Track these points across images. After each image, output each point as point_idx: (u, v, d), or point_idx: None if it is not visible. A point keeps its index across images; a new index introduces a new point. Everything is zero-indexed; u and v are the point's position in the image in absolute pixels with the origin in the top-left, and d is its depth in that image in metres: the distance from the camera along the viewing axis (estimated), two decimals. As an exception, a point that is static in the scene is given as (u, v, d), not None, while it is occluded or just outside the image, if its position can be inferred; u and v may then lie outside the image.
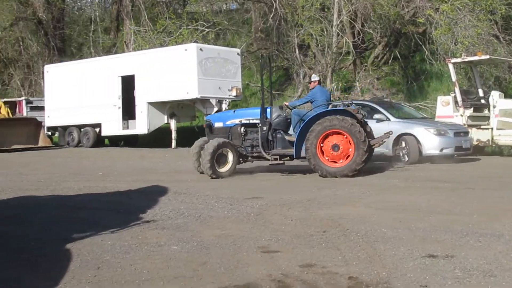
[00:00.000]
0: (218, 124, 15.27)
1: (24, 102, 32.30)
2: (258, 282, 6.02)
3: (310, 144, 13.72)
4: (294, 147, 14.06)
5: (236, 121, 14.82)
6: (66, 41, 38.44)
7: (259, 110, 14.79)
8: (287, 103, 15.88)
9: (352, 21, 29.01)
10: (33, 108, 31.42)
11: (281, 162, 14.93)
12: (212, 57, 24.42)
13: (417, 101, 26.45)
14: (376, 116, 18.27)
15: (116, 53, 32.82)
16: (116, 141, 28.19)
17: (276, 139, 14.51)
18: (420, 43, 28.21)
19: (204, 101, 24.51)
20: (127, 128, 26.02)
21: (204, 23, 31.57)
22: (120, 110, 25.60)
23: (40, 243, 8.01)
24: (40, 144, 26.38)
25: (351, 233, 8.11)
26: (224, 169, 14.31)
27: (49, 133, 28.78)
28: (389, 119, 18.15)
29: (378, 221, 8.91)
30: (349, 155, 13.92)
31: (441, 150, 17.40)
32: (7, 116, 27.27)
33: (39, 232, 8.63)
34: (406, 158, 17.56)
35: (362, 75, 29.41)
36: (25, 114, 30.61)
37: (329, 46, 28.97)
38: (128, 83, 25.65)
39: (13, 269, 6.73)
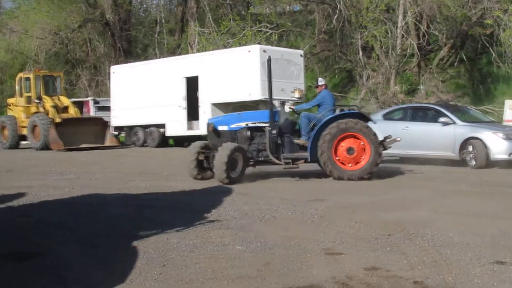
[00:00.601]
0: (222, 128, 14.49)
1: (91, 102, 32.91)
2: (322, 284, 6.02)
3: (326, 147, 13.62)
4: (309, 150, 13.89)
5: (242, 124, 14.26)
6: (132, 43, 39.04)
7: (265, 113, 14.59)
8: (293, 107, 15.89)
9: (417, 23, 28.66)
10: (100, 108, 31.98)
11: (296, 166, 14.51)
12: (275, 58, 24.23)
13: (484, 105, 25.96)
14: (441, 119, 17.90)
15: (180, 54, 33.13)
16: (182, 141, 28.39)
17: (284, 143, 14.18)
18: (487, 45, 27.61)
19: (267, 103, 24.45)
20: (191, 128, 26.15)
21: (268, 25, 31.58)
22: (185, 111, 25.64)
23: (108, 240, 8.16)
24: (107, 143, 26.85)
25: (417, 237, 8.02)
26: (235, 174, 13.78)
27: (116, 132, 29.18)
28: (455, 123, 17.74)
29: (444, 225, 8.78)
30: (363, 158, 14.12)
31: (510, 155, 16.96)
32: (75, 116, 27.88)
33: (107, 229, 8.81)
34: (473, 163, 17.10)
35: (426, 78, 29.03)
36: (92, 114, 31.19)
37: (393, 48, 28.67)
38: (192, 84, 25.80)
39: (83, 264, 6.88)
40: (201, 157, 13.97)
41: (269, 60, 14.83)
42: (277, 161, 14.00)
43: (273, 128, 13.79)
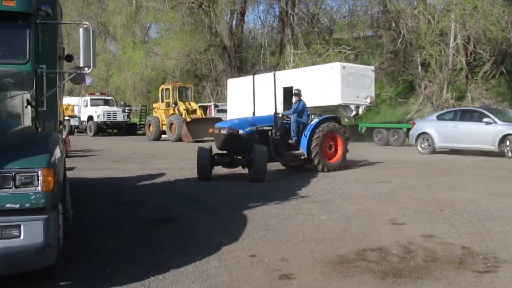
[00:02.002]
0: (240, 131, 12.63)
1: (212, 106, 33.56)
2: (388, 247, 5.98)
3: (318, 146, 12.91)
4: (306, 150, 12.97)
5: (254, 128, 12.63)
6: (243, 62, 39.43)
7: (269, 118, 13.13)
8: (280, 112, 13.98)
9: (465, 44, 27.74)
10: (219, 111, 32.52)
11: (301, 162, 13.57)
12: (352, 72, 24.18)
13: (520, 108, 24.87)
14: (484, 119, 17.51)
15: (279, 70, 33.29)
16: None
17: (283, 144, 13.03)
18: (524, 61, 26.50)
19: (345, 106, 24.32)
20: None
21: (346, 47, 31.38)
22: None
23: (226, 209, 8.35)
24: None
25: (464, 212, 7.87)
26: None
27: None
28: (496, 122, 17.26)
29: (486, 203, 8.59)
30: (338, 153, 13.62)
31: (540, 148, 16.36)
32: (201, 116, 28.52)
33: (225, 202, 9.00)
34: (510, 154, 16.62)
35: (472, 87, 28.14)
36: (213, 115, 31.78)
37: (446, 64, 28.00)
38: (288, 93, 25.94)
39: (208, 227, 7.04)
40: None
41: (274, 75, 14.05)
42: (278, 159, 12.97)
43: (278, 130, 12.76)
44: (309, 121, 13.49)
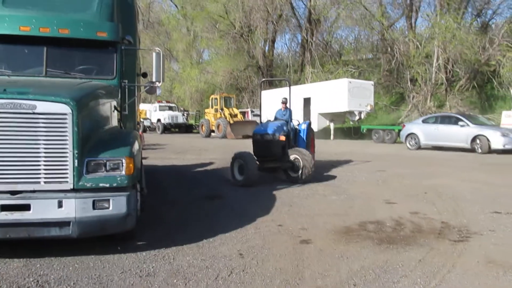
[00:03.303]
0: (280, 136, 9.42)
1: (249, 111, 33.58)
2: (383, 220, 5.94)
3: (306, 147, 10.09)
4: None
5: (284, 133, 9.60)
6: (273, 77, 39.36)
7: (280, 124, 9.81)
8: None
9: (446, 64, 27.11)
10: (255, 115, 32.48)
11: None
12: (356, 86, 23.97)
13: (488, 114, 24.15)
14: (460, 123, 17.19)
15: (300, 84, 33.06)
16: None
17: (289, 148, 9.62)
18: (491, 77, 25.79)
19: (351, 112, 24.16)
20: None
21: (352, 66, 31.09)
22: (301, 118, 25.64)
23: (258, 188, 8.36)
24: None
25: (443, 195, 7.76)
26: None
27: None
28: (469, 125, 16.88)
29: (460, 188, 8.42)
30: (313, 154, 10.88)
31: (504, 146, 15.95)
32: (241, 119, 28.57)
33: (258, 181, 8.85)
34: (480, 150, 16.23)
35: (451, 97, 27.46)
36: (250, 118, 31.81)
37: (430, 79, 27.43)
38: (307, 102, 25.90)
39: (245, 202, 7.08)
40: None
41: (261, 85, 13.10)
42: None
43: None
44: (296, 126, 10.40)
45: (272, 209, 6.54)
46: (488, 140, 16.17)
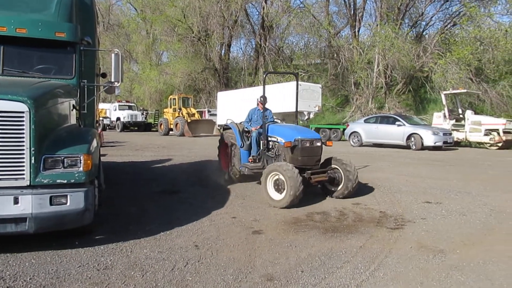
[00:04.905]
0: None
1: (206, 111, 33.33)
2: (328, 211, 6.04)
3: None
4: None
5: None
6: (229, 80, 39.15)
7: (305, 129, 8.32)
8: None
9: (385, 69, 28.02)
10: (211, 115, 32.31)
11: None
12: (305, 88, 24.24)
13: (421, 115, 25.20)
14: (397, 123, 17.85)
15: (254, 86, 33.21)
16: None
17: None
18: (425, 82, 26.86)
19: (300, 112, 24.46)
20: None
21: (302, 70, 31.46)
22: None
23: (214, 184, 8.26)
24: (214, 133, 27.13)
25: (381, 187, 7.96)
26: None
27: (219, 128, 29.47)
28: (405, 125, 17.54)
29: (397, 181, 8.69)
30: None
31: (435, 143, 16.66)
32: (198, 118, 28.31)
33: (213, 178, 8.77)
34: (414, 147, 16.89)
35: (389, 100, 28.41)
36: (207, 117, 31.56)
37: (371, 83, 28.18)
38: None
39: (202, 197, 6.99)
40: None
41: (265, 78, 11.85)
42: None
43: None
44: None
45: (227, 202, 6.52)
46: (421, 138, 16.85)
